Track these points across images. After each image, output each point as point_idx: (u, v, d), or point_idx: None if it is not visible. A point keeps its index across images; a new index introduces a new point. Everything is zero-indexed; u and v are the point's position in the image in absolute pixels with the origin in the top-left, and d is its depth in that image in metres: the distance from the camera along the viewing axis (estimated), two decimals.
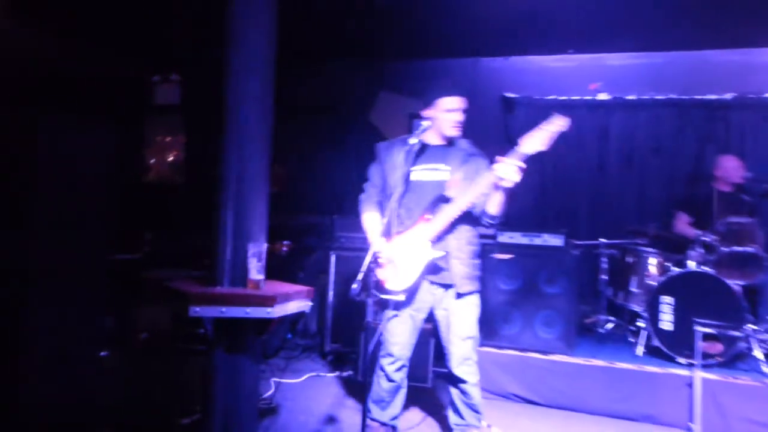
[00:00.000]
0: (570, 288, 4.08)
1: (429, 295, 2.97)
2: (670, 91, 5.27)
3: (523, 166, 2.61)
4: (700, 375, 3.56)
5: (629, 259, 4.60)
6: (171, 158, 6.98)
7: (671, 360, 3.94)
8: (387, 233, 2.86)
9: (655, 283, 4.12)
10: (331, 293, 4.68)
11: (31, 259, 2.77)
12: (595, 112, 5.53)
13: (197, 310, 2.57)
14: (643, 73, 5.46)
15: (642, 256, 4.54)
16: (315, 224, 5.44)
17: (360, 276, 2.54)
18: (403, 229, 2.90)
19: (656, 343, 4.00)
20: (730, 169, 4.64)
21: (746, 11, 4.48)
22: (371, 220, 3.02)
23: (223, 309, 2.60)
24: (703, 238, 4.10)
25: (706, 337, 3.87)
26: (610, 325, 4.74)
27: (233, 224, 2.77)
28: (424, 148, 2.93)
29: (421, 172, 2.92)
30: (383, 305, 2.96)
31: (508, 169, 2.58)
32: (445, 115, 2.86)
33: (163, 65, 6.75)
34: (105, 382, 3.25)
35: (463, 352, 2.95)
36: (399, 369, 3.02)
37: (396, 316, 2.98)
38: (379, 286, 2.83)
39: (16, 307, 2.72)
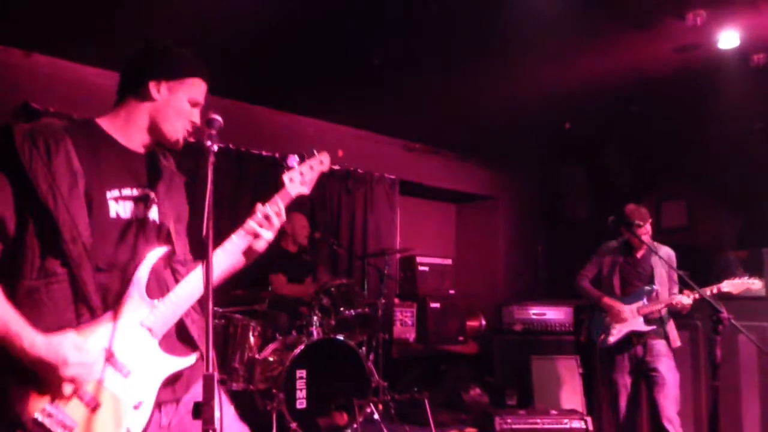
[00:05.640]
0: None
1: None
2: (230, 140, 4.90)
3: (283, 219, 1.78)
4: None
5: (230, 329, 3.92)
6: None
7: None
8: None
9: (276, 358, 3.63)
10: None
11: None
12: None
13: None
14: None
15: (242, 325, 3.97)
16: None
17: None
18: (85, 322, 1.45)
19: (294, 426, 3.53)
20: (299, 227, 4.68)
21: (292, 79, 4.66)
22: None
23: None
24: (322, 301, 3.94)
25: (336, 408, 3.73)
26: None
27: None
28: (101, 143, 1.59)
29: (120, 202, 1.57)
30: None
31: (269, 221, 1.71)
32: (183, 105, 1.65)
33: None
34: None
35: None
36: None
37: None
38: None
39: None
